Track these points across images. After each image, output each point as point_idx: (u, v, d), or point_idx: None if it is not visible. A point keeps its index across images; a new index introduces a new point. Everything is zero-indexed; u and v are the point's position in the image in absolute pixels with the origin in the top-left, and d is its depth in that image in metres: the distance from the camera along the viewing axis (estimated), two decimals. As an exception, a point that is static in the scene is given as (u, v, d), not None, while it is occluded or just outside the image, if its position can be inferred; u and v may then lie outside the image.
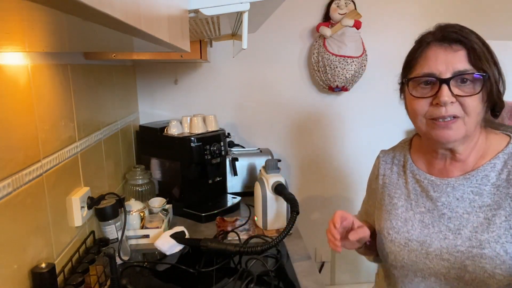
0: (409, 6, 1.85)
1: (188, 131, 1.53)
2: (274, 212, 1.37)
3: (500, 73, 0.81)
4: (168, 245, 1.20)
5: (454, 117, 0.79)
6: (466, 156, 0.86)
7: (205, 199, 1.56)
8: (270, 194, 1.35)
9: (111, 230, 1.13)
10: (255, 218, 1.43)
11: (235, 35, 1.23)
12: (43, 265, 0.78)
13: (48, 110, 0.89)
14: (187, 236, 1.27)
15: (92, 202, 1.05)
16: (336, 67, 1.70)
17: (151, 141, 1.59)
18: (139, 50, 1.03)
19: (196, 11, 0.53)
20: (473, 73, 0.78)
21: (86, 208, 1.03)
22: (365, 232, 0.92)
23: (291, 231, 1.18)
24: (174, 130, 1.51)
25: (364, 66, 1.76)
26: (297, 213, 1.15)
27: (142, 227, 1.31)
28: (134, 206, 1.31)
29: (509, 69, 0.90)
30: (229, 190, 1.69)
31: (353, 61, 1.70)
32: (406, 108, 0.94)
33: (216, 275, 1.11)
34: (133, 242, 1.29)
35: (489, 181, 0.83)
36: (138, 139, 1.69)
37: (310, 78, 1.88)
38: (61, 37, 0.44)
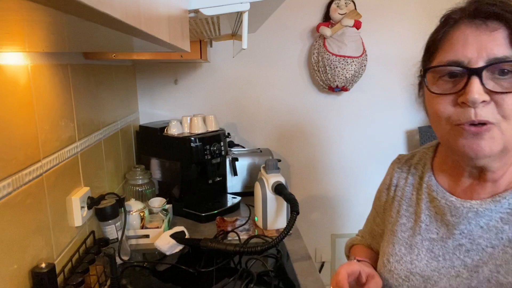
0: (409, 6, 1.85)
1: (188, 131, 1.53)
2: (274, 212, 1.37)
3: None
4: (168, 245, 1.20)
5: (487, 123, 0.58)
6: (500, 175, 0.65)
7: (205, 199, 1.56)
8: (270, 194, 1.35)
9: (111, 230, 1.13)
10: (255, 218, 1.43)
11: (235, 35, 1.23)
12: (43, 265, 0.78)
13: (48, 110, 0.89)
14: (187, 236, 1.27)
15: (92, 202, 1.05)
16: (336, 67, 1.70)
17: (151, 141, 1.59)
18: (139, 50, 1.03)
19: (196, 11, 0.53)
20: None
21: (86, 208, 1.03)
22: (377, 284, 0.73)
23: (291, 231, 1.18)
24: (174, 130, 1.51)
25: (364, 66, 1.76)
26: (297, 213, 1.15)
27: (142, 227, 1.31)
28: (134, 206, 1.31)
29: None
30: (229, 190, 1.69)
31: (353, 61, 1.70)
32: (426, 110, 0.72)
33: (216, 275, 1.11)
34: (133, 242, 1.29)
35: None
36: (138, 139, 1.69)
37: (310, 78, 1.88)
38: (61, 37, 0.44)
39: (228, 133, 1.68)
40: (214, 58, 1.81)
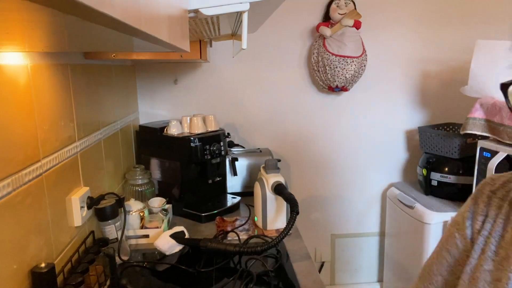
0: (409, 6, 1.85)
1: (188, 131, 1.53)
2: (273, 212, 1.37)
3: None
4: (168, 245, 1.20)
5: None
6: None
7: (205, 199, 1.55)
8: (270, 194, 1.35)
9: (111, 230, 1.13)
10: (255, 218, 1.43)
11: (235, 35, 1.23)
12: (43, 265, 0.78)
13: (47, 110, 0.89)
14: (186, 236, 1.27)
15: (91, 202, 1.05)
16: (336, 67, 1.70)
17: (151, 141, 1.59)
18: (139, 50, 1.03)
19: (196, 11, 0.53)
20: None
21: (86, 208, 1.03)
22: None
23: (290, 231, 1.18)
24: (174, 130, 1.51)
25: (364, 66, 1.76)
26: (297, 213, 1.15)
27: (142, 227, 1.31)
28: (134, 206, 1.31)
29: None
30: (229, 190, 1.69)
31: (353, 61, 1.70)
32: None
33: (215, 275, 1.11)
34: (133, 242, 1.29)
35: None
36: (138, 139, 1.69)
37: (310, 78, 1.88)
38: (61, 37, 0.44)
39: (228, 133, 1.68)
40: (214, 58, 1.81)
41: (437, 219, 1.57)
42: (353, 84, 1.80)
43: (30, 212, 0.79)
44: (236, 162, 1.68)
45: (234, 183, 1.72)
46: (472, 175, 1.50)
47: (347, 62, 1.70)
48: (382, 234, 2.09)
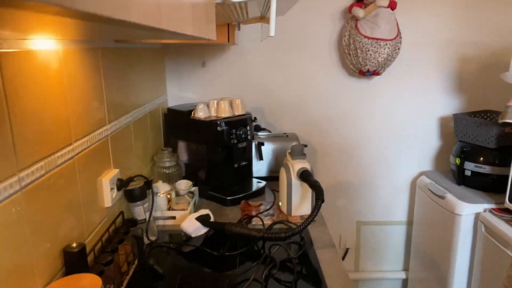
0: (449, -14, 1.74)
1: (215, 114, 1.54)
2: (298, 198, 1.37)
3: None
4: (193, 227, 1.23)
5: None
6: None
7: (230, 182, 1.57)
8: (295, 180, 1.34)
9: (139, 211, 1.16)
10: (280, 204, 1.43)
11: (264, 18, 1.20)
12: (74, 245, 0.82)
13: (79, 93, 0.91)
14: (212, 219, 1.29)
15: (121, 184, 1.08)
16: (368, 50, 1.64)
17: (179, 124, 1.61)
18: (168, 38, 1.03)
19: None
20: None
21: (115, 189, 1.07)
22: None
23: (315, 219, 1.18)
24: (201, 114, 1.52)
25: (398, 49, 1.68)
26: (322, 201, 1.14)
27: (169, 209, 1.34)
28: (161, 188, 1.34)
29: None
30: (254, 175, 1.70)
31: (386, 44, 1.63)
32: None
33: (240, 259, 1.13)
34: (160, 223, 1.32)
35: None
36: (166, 122, 1.71)
37: (340, 62, 1.83)
38: (92, 30, 0.44)
39: (255, 117, 1.67)
40: (242, 41, 1.79)
41: (469, 210, 1.51)
42: (386, 68, 1.73)
43: (62, 193, 0.82)
44: (262, 147, 1.67)
45: (260, 168, 1.72)
46: (509, 165, 1.43)
47: (380, 45, 1.63)
48: (409, 223, 2.05)
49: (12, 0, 0.19)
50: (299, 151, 1.38)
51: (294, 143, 1.69)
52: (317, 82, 1.85)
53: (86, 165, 0.94)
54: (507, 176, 1.41)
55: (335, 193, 2.00)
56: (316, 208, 1.13)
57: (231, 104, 1.56)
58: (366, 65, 1.67)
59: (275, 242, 1.15)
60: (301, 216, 1.37)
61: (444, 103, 1.88)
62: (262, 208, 1.43)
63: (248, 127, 1.54)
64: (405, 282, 2.12)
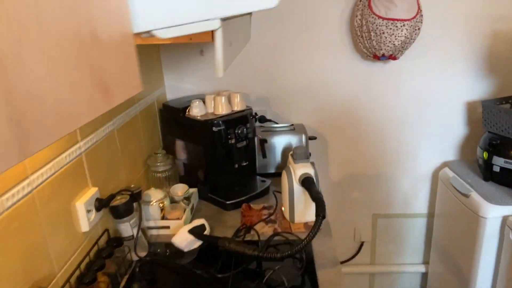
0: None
1: (212, 111, 1.41)
2: (302, 205, 1.25)
3: None
4: (186, 242, 1.15)
5: None
6: None
7: (231, 184, 1.47)
8: (297, 186, 1.22)
9: (126, 228, 1.09)
10: (283, 208, 1.32)
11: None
12: (38, 289, 0.74)
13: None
14: (207, 230, 1.20)
15: (100, 204, 1.00)
16: (383, 33, 1.44)
17: (174, 121, 1.50)
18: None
19: (149, 33, 0.39)
20: None
21: (94, 211, 0.98)
22: None
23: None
24: (196, 111, 1.40)
25: (418, 29, 1.48)
26: (323, 217, 1.02)
27: (163, 218, 1.26)
28: (153, 195, 1.26)
29: None
30: (259, 171, 1.58)
31: (404, 25, 1.43)
32: None
33: (233, 279, 1.04)
34: (154, 232, 1.25)
35: None
36: (162, 119, 1.60)
37: (352, 45, 1.64)
38: None
39: (255, 113, 1.53)
40: (242, 24, 1.62)
41: (495, 213, 1.35)
42: (403, 52, 1.53)
43: (18, 237, 0.73)
44: (265, 144, 1.55)
45: (265, 164, 1.60)
46: (545, 164, 1.25)
47: (396, 26, 1.43)
48: (430, 216, 1.90)
49: None
50: (302, 155, 1.25)
51: (298, 141, 1.56)
52: (327, 67, 1.68)
53: (53, 193, 0.85)
54: (542, 176, 1.24)
55: (349, 185, 1.87)
56: (316, 225, 1.01)
57: (229, 99, 1.43)
58: (381, 49, 1.48)
59: (271, 261, 1.06)
60: (305, 224, 1.26)
61: (472, 87, 1.67)
62: (264, 212, 1.33)
63: (248, 125, 1.41)
64: (424, 275, 2.01)
